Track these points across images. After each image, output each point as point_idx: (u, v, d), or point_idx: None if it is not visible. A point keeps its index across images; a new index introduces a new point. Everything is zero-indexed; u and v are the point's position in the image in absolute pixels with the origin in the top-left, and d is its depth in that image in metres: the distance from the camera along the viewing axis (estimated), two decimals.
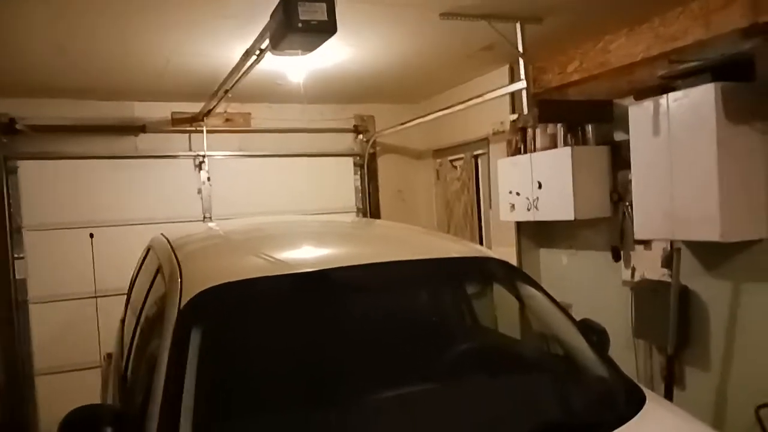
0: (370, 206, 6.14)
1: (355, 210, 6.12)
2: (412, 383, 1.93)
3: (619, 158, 3.97)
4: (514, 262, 4.58)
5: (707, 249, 3.43)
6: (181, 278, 2.04)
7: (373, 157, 6.18)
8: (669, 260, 3.61)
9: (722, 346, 3.43)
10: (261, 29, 3.14)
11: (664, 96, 3.26)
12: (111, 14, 3.15)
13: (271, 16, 2.81)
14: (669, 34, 3.50)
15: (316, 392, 1.88)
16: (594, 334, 2.30)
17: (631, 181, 3.58)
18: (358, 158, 6.13)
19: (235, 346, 2.00)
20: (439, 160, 6.08)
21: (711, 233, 3.05)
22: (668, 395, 3.53)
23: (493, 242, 5.20)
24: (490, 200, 5.19)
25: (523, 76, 3.84)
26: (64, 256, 5.00)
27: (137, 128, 5.27)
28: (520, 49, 3.70)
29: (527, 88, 3.89)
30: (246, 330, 2.06)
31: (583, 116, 4.13)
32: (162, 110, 5.35)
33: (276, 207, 5.36)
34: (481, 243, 5.38)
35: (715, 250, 3.36)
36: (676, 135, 3.20)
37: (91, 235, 4.88)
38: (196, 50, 3.86)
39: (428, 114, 4.99)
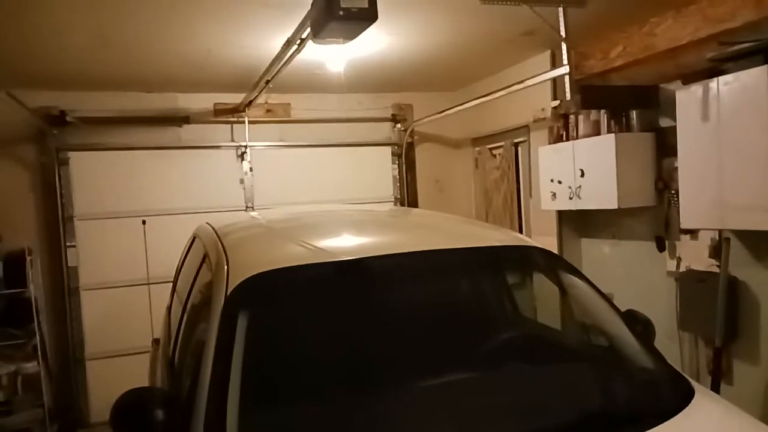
0: (407, 196, 6.14)
1: (393, 199, 6.13)
2: (454, 371, 1.93)
3: (665, 145, 3.87)
4: (555, 251, 4.52)
5: (758, 238, 3.32)
6: (227, 265, 2.09)
7: (411, 146, 6.16)
8: (717, 250, 3.51)
9: None
10: (301, 18, 3.15)
11: (714, 80, 3.15)
12: (152, 4, 3.20)
13: (312, 5, 2.82)
14: (718, 16, 3.37)
15: (359, 378, 1.91)
16: (639, 325, 2.25)
17: (677, 168, 3.49)
18: (396, 147, 6.13)
19: (280, 331, 2.04)
20: (477, 149, 6.02)
21: (764, 222, 2.95)
22: (715, 389, 3.44)
23: (534, 232, 5.14)
24: (531, 189, 5.13)
25: (565, 61, 3.77)
26: (113, 245, 5.15)
27: (181, 119, 5.39)
28: (563, 33, 3.63)
29: (570, 74, 3.81)
30: (291, 315, 2.09)
31: (627, 102, 4.04)
32: (204, 101, 5.45)
33: (315, 196, 5.41)
34: (521, 233, 5.32)
35: (766, 239, 3.25)
36: (726, 120, 3.10)
37: (144, 222, 4.99)
38: (238, 40, 3.90)
39: (467, 101, 4.94)
